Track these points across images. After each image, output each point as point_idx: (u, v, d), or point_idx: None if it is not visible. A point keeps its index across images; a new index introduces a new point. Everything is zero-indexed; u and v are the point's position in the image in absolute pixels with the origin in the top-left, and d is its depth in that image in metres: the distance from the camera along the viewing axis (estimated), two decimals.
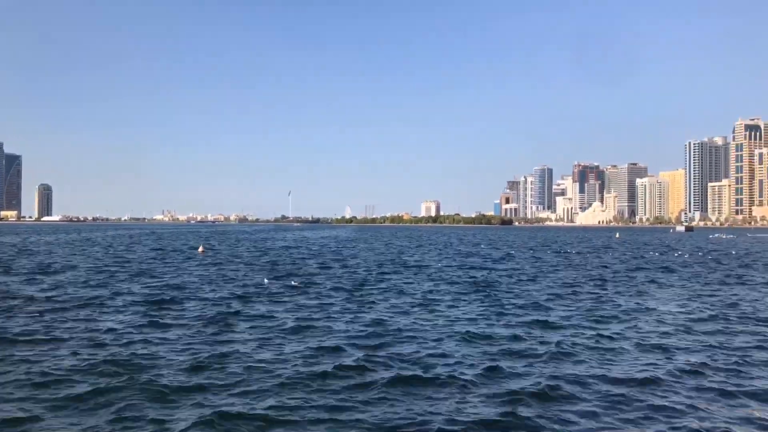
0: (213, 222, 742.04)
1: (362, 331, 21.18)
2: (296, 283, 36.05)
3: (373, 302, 28.61)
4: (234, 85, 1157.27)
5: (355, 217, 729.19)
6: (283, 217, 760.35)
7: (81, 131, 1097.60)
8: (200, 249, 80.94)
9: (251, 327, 21.86)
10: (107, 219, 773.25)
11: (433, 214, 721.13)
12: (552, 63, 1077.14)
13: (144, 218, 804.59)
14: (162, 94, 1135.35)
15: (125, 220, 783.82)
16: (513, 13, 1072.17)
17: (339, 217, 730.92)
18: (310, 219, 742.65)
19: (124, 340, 19.19)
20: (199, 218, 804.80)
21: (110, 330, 20.85)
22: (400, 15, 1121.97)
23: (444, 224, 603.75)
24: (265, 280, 38.06)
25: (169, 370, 15.54)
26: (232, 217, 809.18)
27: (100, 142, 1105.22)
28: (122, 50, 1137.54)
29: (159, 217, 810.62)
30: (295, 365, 16.17)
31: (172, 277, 40.60)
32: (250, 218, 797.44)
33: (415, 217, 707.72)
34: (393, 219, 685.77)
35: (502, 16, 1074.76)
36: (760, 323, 23.43)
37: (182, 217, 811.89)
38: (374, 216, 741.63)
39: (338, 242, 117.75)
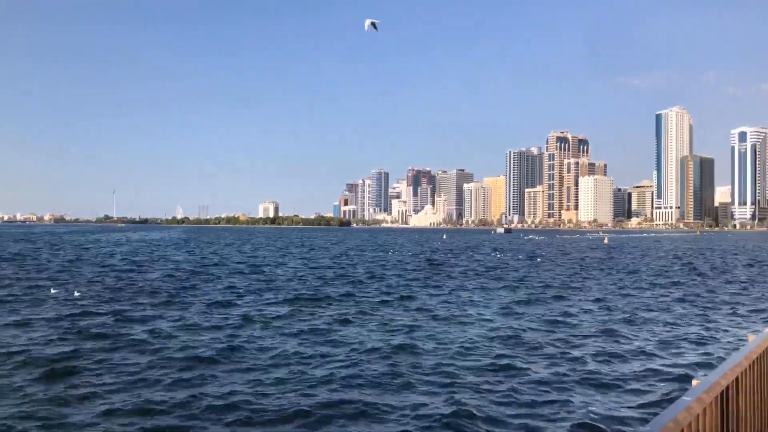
0: (23, 222, 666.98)
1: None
2: (78, 294, 31.72)
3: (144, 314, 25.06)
4: (50, 70, 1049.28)
5: (187, 218, 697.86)
6: (107, 217, 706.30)
7: None
8: None
9: None
10: None
11: (271, 215, 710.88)
12: (391, 71, 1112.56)
13: None
14: None
15: None
16: (362, 12, 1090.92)
17: (170, 218, 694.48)
18: (138, 219, 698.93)
19: None
20: (5, 218, 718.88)
21: None
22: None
23: (282, 225, 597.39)
24: (52, 290, 33.40)
25: None
26: (46, 217, 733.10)
27: None
28: None
29: None
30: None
31: None
32: (67, 218, 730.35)
33: (253, 218, 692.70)
34: (229, 220, 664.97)
35: (350, 15, 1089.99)
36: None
37: None
38: (208, 217, 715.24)
39: (161, 246, 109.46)
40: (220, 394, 14.04)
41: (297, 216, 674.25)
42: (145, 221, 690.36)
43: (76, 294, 31.99)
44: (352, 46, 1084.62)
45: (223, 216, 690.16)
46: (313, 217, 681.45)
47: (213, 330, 22.14)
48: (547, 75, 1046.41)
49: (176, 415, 12.66)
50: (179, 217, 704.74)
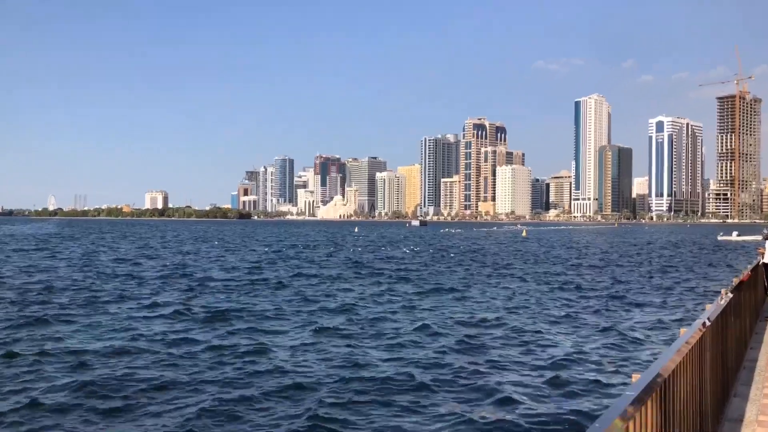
0: None
1: None
2: None
3: None
4: None
5: (60, 209, 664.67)
6: None
7: None
8: None
9: None
10: None
11: (159, 206, 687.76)
12: (298, 51, 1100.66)
13: None
14: None
15: None
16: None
17: (40, 209, 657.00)
18: (1, 210, 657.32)
19: None
20: None
21: None
22: None
23: (173, 218, 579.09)
24: None
25: None
26: None
27: None
28: None
29: None
30: None
31: None
32: None
33: (138, 209, 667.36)
34: (110, 212, 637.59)
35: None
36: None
37: None
38: (86, 208, 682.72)
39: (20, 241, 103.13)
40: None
41: (189, 207, 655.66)
42: (9, 213, 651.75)
43: None
44: (256, 27, 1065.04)
45: (103, 207, 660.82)
46: (208, 208, 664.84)
47: None
48: (465, 58, 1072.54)
49: None
50: (51, 208, 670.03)
